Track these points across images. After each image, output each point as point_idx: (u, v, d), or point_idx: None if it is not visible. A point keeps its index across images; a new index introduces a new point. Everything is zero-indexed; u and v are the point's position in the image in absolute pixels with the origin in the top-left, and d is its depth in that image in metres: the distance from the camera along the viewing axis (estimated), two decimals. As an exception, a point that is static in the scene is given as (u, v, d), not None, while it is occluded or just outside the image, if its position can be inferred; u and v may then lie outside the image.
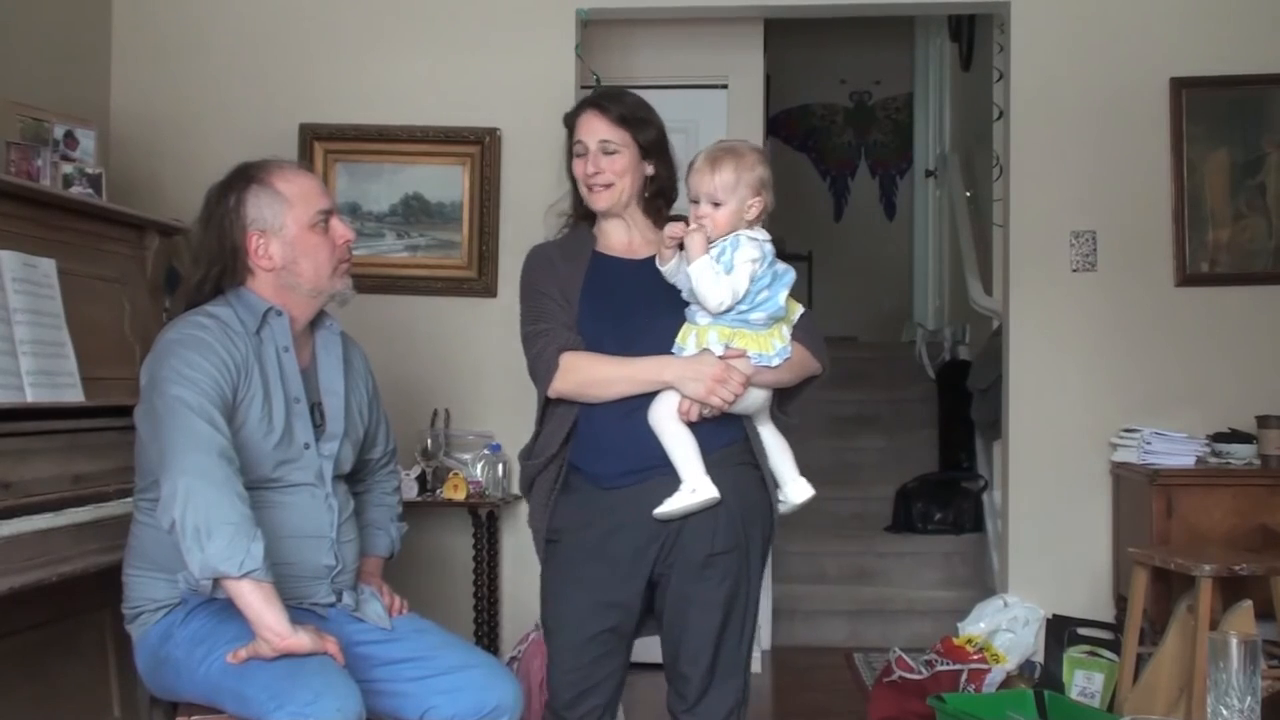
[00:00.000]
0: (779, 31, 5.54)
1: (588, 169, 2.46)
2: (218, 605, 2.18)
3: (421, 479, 3.87)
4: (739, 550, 2.41)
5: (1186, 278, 4.12)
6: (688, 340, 2.37)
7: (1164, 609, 3.66)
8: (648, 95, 2.57)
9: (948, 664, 3.91)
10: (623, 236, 2.52)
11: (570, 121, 2.52)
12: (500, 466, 3.96)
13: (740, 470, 2.43)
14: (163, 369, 2.17)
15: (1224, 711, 1.85)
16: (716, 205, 2.33)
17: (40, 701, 2.76)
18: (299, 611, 2.20)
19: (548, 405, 2.43)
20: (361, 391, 2.51)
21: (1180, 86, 4.11)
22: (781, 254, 2.44)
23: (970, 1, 4.98)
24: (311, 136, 4.21)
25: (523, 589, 3.95)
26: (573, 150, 2.50)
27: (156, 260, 3.30)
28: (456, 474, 3.88)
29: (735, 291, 2.30)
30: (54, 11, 3.87)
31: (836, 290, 8.42)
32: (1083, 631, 4.01)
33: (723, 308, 2.31)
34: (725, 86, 4.96)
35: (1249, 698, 1.85)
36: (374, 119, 4.21)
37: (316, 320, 2.43)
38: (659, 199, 2.53)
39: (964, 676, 3.86)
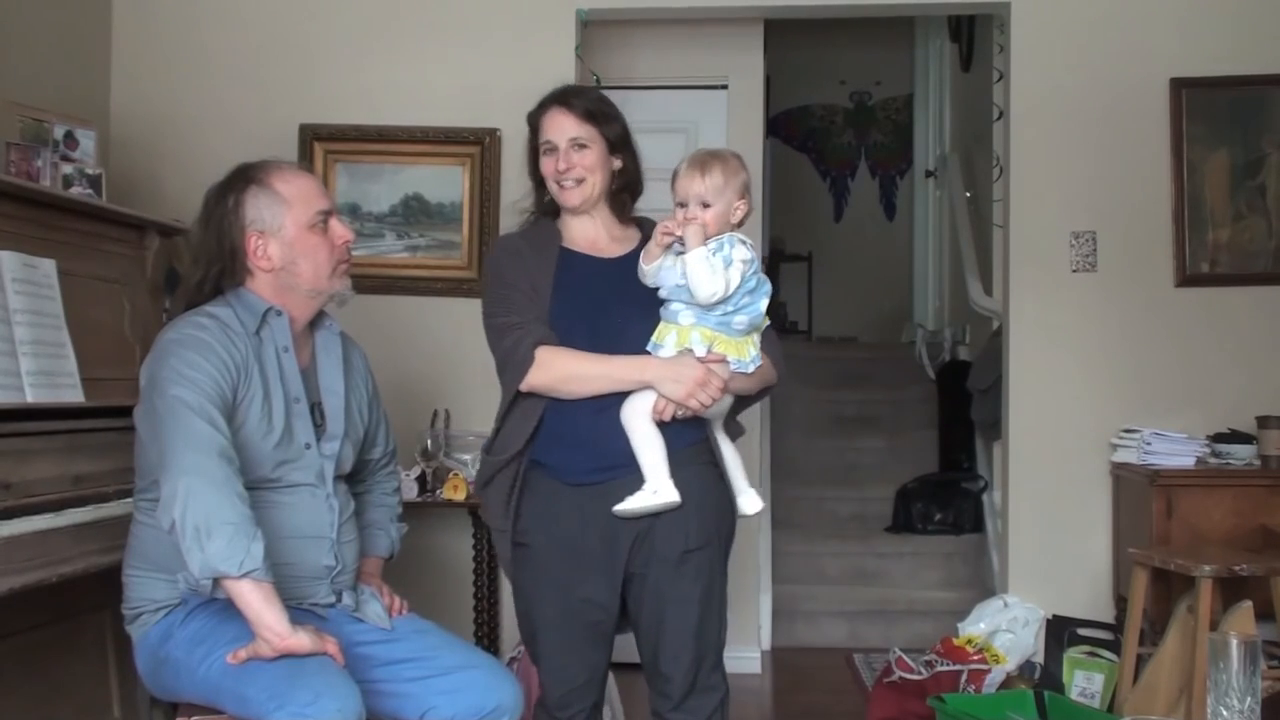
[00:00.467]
0: (779, 32, 5.54)
1: (559, 165, 2.46)
2: (218, 606, 2.18)
3: (421, 479, 3.87)
4: (710, 546, 2.44)
5: (1186, 278, 4.12)
6: (665, 339, 2.37)
7: (1164, 609, 3.66)
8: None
9: (948, 664, 3.91)
10: (589, 233, 2.53)
11: (535, 120, 2.52)
12: (500, 467, 3.95)
13: (704, 469, 2.46)
14: (162, 369, 2.17)
15: (1224, 712, 1.85)
16: (706, 206, 2.35)
17: (40, 701, 2.76)
18: (299, 612, 2.20)
19: (515, 400, 2.42)
20: (361, 391, 2.51)
21: (1180, 87, 4.11)
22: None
23: (970, 2, 4.98)
24: (311, 137, 4.21)
25: (523, 589, 3.94)
26: (540, 148, 2.50)
27: (156, 261, 3.30)
28: (456, 474, 3.88)
29: (729, 284, 2.32)
30: (54, 11, 3.87)
31: (836, 290, 8.44)
32: (1083, 632, 4.01)
33: (714, 299, 2.32)
34: (725, 87, 4.96)
35: (1249, 698, 1.85)
36: (374, 119, 4.21)
37: (316, 320, 2.44)
38: (625, 192, 2.55)
39: (964, 677, 3.86)
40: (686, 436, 2.42)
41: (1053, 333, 4.18)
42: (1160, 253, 4.13)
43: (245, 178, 2.34)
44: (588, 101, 2.51)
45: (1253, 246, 4.12)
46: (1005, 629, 4.00)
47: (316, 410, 2.37)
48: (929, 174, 7.96)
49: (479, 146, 4.19)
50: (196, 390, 2.14)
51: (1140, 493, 3.88)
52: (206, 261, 2.34)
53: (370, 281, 3.84)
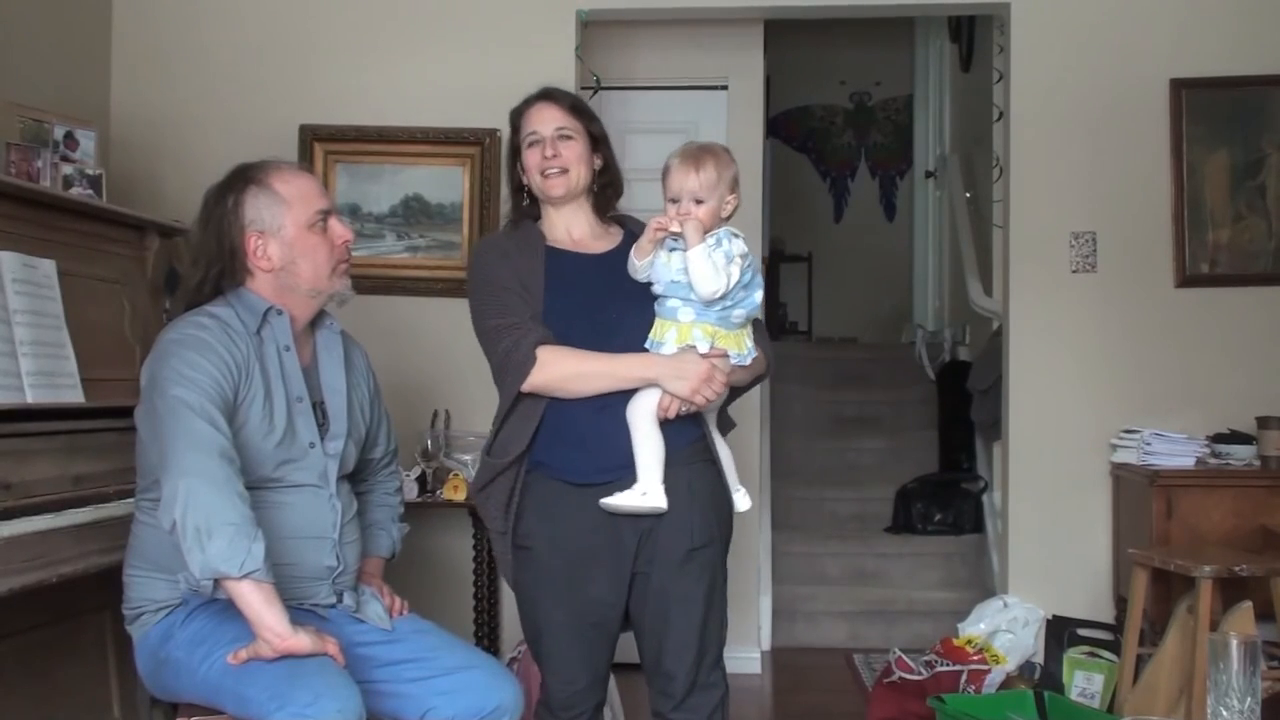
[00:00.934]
0: (779, 32, 5.54)
1: (545, 153, 2.47)
2: (218, 606, 2.18)
3: (422, 480, 3.87)
4: (713, 544, 2.44)
5: (1186, 278, 4.12)
6: (666, 336, 2.37)
7: (1164, 610, 3.66)
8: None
9: (948, 665, 3.91)
10: (573, 230, 2.53)
11: (517, 117, 2.54)
12: (500, 467, 3.95)
13: (705, 467, 2.46)
14: (163, 369, 2.17)
15: (1224, 712, 1.85)
16: (699, 202, 2.36)
17: (40, 701, 2.76)
18: (299, 612, 2.20)
19: (516, 401, 2.41)
20: (363, 390, 2.51)
21: (1180, 87, 4.11)
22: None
23: (970, 2, 4.98)
24: (311, 137, 4.21)
25: (523, 590, 3.94)
26: (523, 142, 2.51)
27: (156, 261, 3.30)
28: (457, 475, 3.87)
29: (730, 280, 2.32)
30: (54, 12, 3.87)
31: (836, 291, 8.44)
32: (1083, 632, 4.01)
33: (717, 295, 2.32)
34: (725, 87, 4.96)
35: (1249, 698, 1.85)
36: (374, 120, 4.21)
37: (316, 320, 2.44)
38: (608, 190, 2.56)
39: (964, 677, 3.86)
40: (687, 435, 2.42)
41: (1053, 333, 4.18)
42: (1160, 253, 4.13)
43: (245, 178, 2.34)
44: (572, 98, 2.57)
45: (1253, 247, 4.12)
46: (1005, 629, 4.00)
47: (319, 409, 2.37)
48: (929, 174, 7.96)
49: (479, 147, 4.19)
50: (197, 390, 2.14)
51: (1140, 493, 3.88)
52: (206, 262, 2.34)
53: (370, 282, 3.83)
